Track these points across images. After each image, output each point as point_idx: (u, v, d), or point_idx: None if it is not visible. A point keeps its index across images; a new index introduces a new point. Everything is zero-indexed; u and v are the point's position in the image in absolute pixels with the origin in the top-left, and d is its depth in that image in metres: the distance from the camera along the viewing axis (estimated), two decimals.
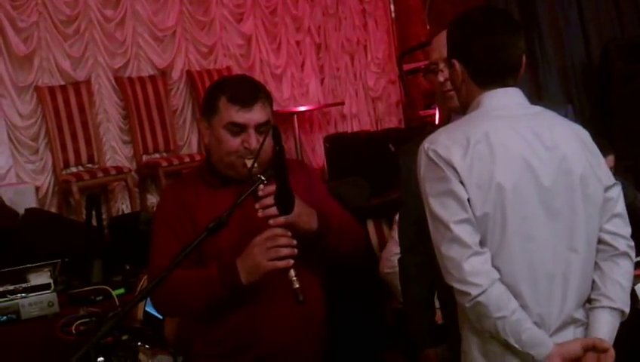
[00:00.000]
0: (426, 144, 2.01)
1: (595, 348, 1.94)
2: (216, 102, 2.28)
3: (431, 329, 2.66)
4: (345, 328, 2.68)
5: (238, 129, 2.24)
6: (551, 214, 1.95)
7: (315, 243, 2.25)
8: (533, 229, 1.94)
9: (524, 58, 2.07)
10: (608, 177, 2.05)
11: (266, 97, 2.32)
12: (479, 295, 1.90)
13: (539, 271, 1.95)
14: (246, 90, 2.29)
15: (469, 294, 1.91)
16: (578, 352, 1.92)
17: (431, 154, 1.97)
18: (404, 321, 2.80)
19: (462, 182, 1.93)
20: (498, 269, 1.93)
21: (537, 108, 2.07)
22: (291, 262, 2.10)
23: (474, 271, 1.90)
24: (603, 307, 2.00)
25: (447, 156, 1.94)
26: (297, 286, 2.07)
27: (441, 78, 2.47)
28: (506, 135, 1.95)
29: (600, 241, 2.03)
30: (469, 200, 1.92)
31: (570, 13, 6.83)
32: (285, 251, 2.11)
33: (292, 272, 2.08)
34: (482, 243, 1.94)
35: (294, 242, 2.13)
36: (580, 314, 2.01)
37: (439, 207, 1.95)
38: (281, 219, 2.14)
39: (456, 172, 1.93)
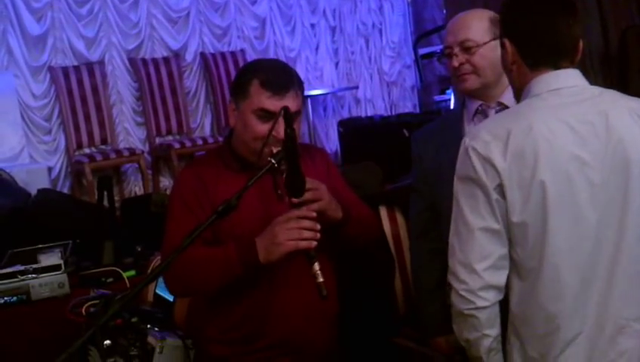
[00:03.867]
0: (467, 139, 1.89)
1: None
2: (247, 85, 2.21)
3: (441, 317, 2.63)
4: (356, 314, 2.66)
5: (267, 115, 2.18)
6: (600, 212, 1.81)
7: (335, 232, 2.21)
8: (582, 233, 1.81)
9: (581, 43, 1.93)
10: None
11: (299, 86, 2.25)
12: (482, 309, 1.86)
13: (578, 276, 1.83)
14: (280, 76, 2.22)
15: (472, 303, 1.86)
16: None
17: (470, 151, 1.86)
18: (415, 307, 2.79)
19: (501, 184, 1.81)
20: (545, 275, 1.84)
21: (595, 91, 1.92)
22: (314, 243, 2.04)
23: (486, 285, 1.84)
24: None
25: (487, 154, 1.82)
26: (321, 279, 2.00)
27: (455, 63, 2.42)
28: (552, 128, 1.81)
29: None
30: (507, 203, 1.82)
31: (589, 1, 6.75)
32: (308, 233, 2.06)
33: (316, 266, 2.01)
34: (517, 249, 1.85)
35: (318, 226, 2.08)
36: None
37: (469, 209, 1.86)
38: (315, 206, 2.10)
39: (497, 172, 1.81)
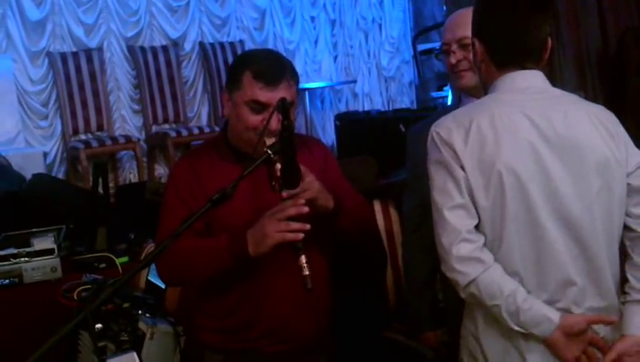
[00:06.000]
0: (433, 127, 1.98)
1: (601, 322, 1.91)
2: (240, 76, 2.21)
3: (431, 312, 2.65)
4: (347, 307, 2.67)
5: (260, 107, 2.18)
6: (558, 203, 1.89)
7: (328, 223, 2.22)
8: (536, 219, 1.89)
9: (549, 42, 1.99)
10: (633, 161, 1.97)
11: (292, 76, 2.23)
12: (469, 284, 1.88)
13: (545, 263, 1.90)
14: (272, 67, 2.21)
15: (458, 283, 1.90)
16: (582, 327, 1.89)
17: (434, 136, 1.95)
18: (405, 301, 2.80)
19: (462, 167, 1.89)
20: (500, 259, 1.90)
21: (557, 92, 2.00)
22: (301, 235, 2.05)
23: (462, 258, 1.88)
24: (633, 301, 1.96)
25: (449, 139, 1.91)
26: (307, 273, 2.01)
27: (452, 60, 2.44)
28: (513, 119, 1.90)
29: (626, 228, 1.97)
30: (470, 186, 1.89)
31: (589, 0, 6.77)
32: (295, 225, 2.06)
33: (303, 258, 2.02)
34: (482, 231, 1.91)
35: (306, 209, 2.08)
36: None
37: (437, 191, 1.93)
38: (305, 195, 2.10)
39: (457, 155, 1.90)
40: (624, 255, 2.00)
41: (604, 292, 1.95)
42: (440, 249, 1.92)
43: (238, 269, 2.17)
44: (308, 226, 2.07)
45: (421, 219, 2.59)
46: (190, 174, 2.28)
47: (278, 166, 2.07)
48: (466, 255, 1.88)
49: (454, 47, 2.43)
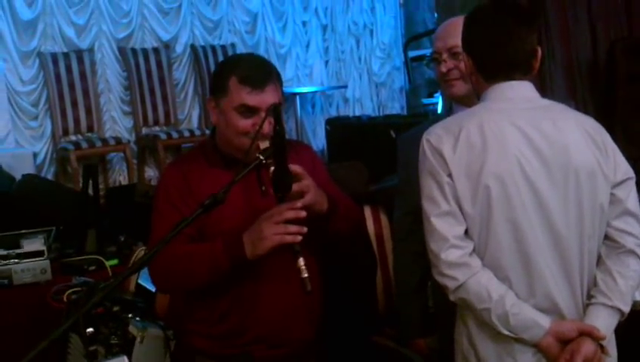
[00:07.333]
0: (424, 135, 2.02)
1: (590, 336, 1.93)
2: (226, 82, 2.21)
3: (421, 319, 2.66)
4: (336, 312, 2.68)
5: (249, 111, 2.19)
6: (544, 213, 1.92)
7: (321, 225, 2.22)
8: (521, 228, 1.91)
9: (538, 51, 2.03)
10: (620, 173, 1.99)
11: (278, 78, 2.25)
12: (457, 288, 1.92)
13: (532, 271, 1.93)
14: (258, 70, 2.22)
15: (447, 287, 1.94)
16: (572, 334, 1.92)
17: (424, 144, 1.99)
18: (395, 307, 2.81)
19: (450, 174, 1.93)
20: (487, 265, 1.93)
21: (545, 102, 2.04)
22: (299, 238, 2.06)
23: (451, 264, 1.92)
24: (598, 304, 1.97)
25: (438, 146, 1.95)
26: (306, 275, 2.01)
27: (443, 69, 2.45)
28: (501, 127, 1.93)
29: (606, 237, 2.00)
30: (457, 192, 1.92)
31: (579, 11, 6.79)
32: (293, 228, 2.07)
33: (301, 261, 2.03)
34: (469, 237, 1.94)
35: (304, 213, 2.08)
36: None
37: (426, 199, 1.97)
38: (302, 199, 2.11)
39: (445, 163, 1.93)
40: (597, 259, 2.02)
41: (578, 304, 1.98)
42: (430, 255, 1.97)
43: (232, 274, 2.17)
44: (305, 229, 2.08)
45: (412, 226, 2.59)
46: (180, 180, 2.28)
47: (271, 169, 2.08)
48: (454, 260, 1.92)
49: (445, 55, 2.45)
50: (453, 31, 2.40)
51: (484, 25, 2.02)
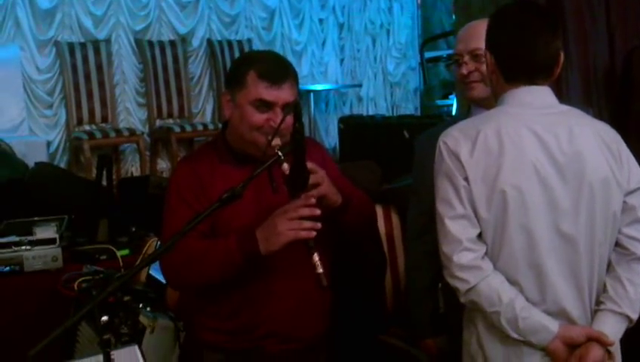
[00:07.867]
0: (440, 137, 2.02)
1: (598, 341, 1.93)
2: (244, 76, 2.22)
3: (432, 319, 2.66)
4: (345, 310, 2.68)
5: (265, 106, 2.19)
6: (556, 216, 1.92)
7: (334, 219, 2.22)
8: (535, 230, 1.92)
9: (561, 57, 2.02)
10: (633, 180, 2.00)
11: (295, 77, 2.26)
12: (468, 291, 1.93)
13: (544, 277, 1.94)
14: (277, 67, 2.23)
15: (458, 289, 1.95)
16: (580, 339, 1.93)
17: (441, 146, 1.99)
18: (405, 306, 2.81)
19: (466, 178, 1.93)
20: (500, 268, 1.94)
21: (564, 108, 2.04)
22: (313, 233, 2.06)
23: (462, 266, 1.92)
24: (607, 310, 1.98)
25: (455, 149, 1.95)
26: (321, 270, 2.02)
27: (464, 71, 2.45)
28: (519, 132, 1.94)
29: (617, 244, 2.01)
30: (473, 196, 1.93)
31: (598, 16, 6.76)
32: (308, 223, 2.07)
33: (316, 256, 2.03)
34: (482, 241, 1.95)
35: (318, 211, 2.08)
36: None
37: (440, 201, 1.98)
38: (314, 192, 2.11)
39: (462, 166, 1.94)
40: (607, 266, 2.02)
41: (587, 309, 1.99)
42: (442, 256, 1.97)
43: (246, 269, 2.16)
44: (319, 225, 2.08)
45: (425, 227, 2.59)
46: (191, 177, 2.28)
47: (285, 166, 2.08)
48: (466, 263, 1.92)
49: (466, 58, 2.44)
50: (476, 34, 2.40)
51: (509, 26, 2.02)
